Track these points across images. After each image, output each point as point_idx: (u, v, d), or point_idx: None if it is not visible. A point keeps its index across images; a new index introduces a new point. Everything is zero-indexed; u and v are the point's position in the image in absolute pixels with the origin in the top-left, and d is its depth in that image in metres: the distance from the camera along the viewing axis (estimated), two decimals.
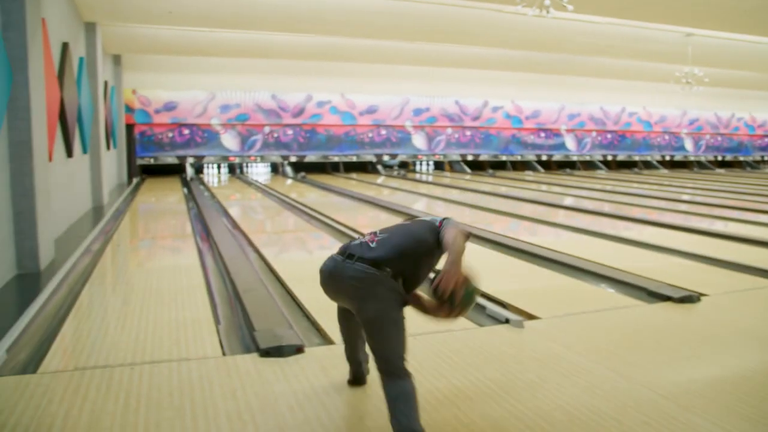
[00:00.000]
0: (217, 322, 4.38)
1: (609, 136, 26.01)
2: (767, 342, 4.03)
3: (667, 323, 4.38)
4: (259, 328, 4.04)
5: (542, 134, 24.89)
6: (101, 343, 3.94)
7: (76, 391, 3.14)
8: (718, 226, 9.24)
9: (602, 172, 23.93)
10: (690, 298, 4.90)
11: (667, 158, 27.44)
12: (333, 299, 2.95)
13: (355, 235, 8.03)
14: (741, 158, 29.03)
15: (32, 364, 3.57)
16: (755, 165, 28.97)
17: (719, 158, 28.56)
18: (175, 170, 20.07)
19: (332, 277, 2.85)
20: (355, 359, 3.20)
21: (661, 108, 26.66)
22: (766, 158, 29.77)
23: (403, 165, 23.38)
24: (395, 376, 2.62)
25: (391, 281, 2.73)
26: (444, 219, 3.00)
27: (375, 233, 2.93)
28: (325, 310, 4.52)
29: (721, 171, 26.13)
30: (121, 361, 3.57)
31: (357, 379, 3.25)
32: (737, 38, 14.60)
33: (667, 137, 27.38)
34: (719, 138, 28.51)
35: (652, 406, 3.00)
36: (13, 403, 3.00)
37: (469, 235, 2.99)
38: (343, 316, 3.08)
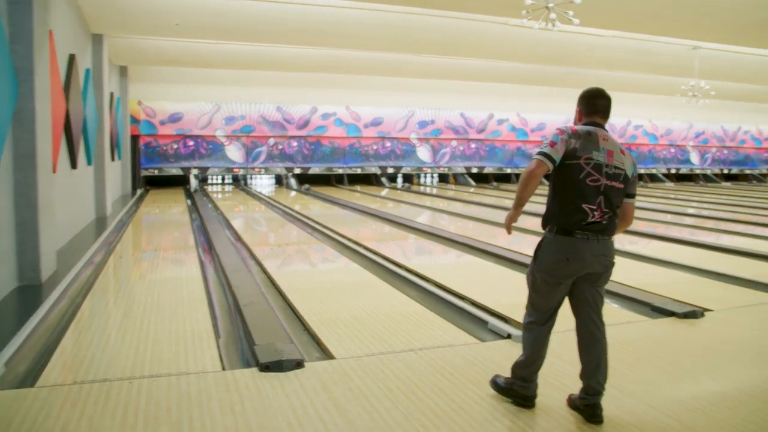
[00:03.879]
0: (217, 335, 4.36)
1: None
2: None
3: (670, 339, 4.34)
4: (259, 342, 4.01)
5: None
6: (101, 356, 3.91)
7: (74, 405, 3.11)
8: (725, 241, 9.18)
9: None
10: (694, 314, 4.85)
11: (673, 171, 27.37)
12: (565, 277, 3.05)
13: (358, 248, 8.01)
14: (747, 171, 28.94)
15: (31, 378, 3.55)
16: (761, 178, 28.87)
17: (725, 171, 28.48)
18: (179, 181, 20.13)
19: (581, 255, 2.97)
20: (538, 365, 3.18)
21: (667, 121, 26.62)
22: None
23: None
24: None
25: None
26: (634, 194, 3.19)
27: (601, 209, 2.99)
28: (326, 324, 4.52)
29: (728, 184, 26.06)
30: (120, 375, 3.54)
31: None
32: (744, 51, 14.58)
33: (673, 150, 27.32)
34: (725, 151, 28.43)
35: (654, 425, 2.95)
36: (10, 417, 2.97)
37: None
38: (552, 317, 3.19)
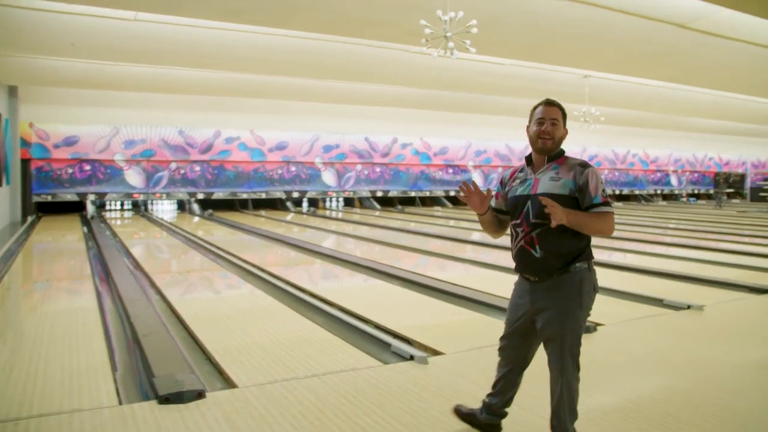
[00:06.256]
0: (113, 368, 4.20)
1: None
2: (658, 368, 4.23)
3: None
4: (158, 374, 3.89)
5: (450, 170, 25.48)
6: None
7: None
8: (617, 258, 9.68)
9: None
10: (587, 329, 5.08)
11: None
12: None
13: (263, 274, 7.94)
14: (636, 192, 30.72)
15: None
16: (649, 198, 30.73)
17: (617, 192, 30.07)
18: (74, 208, 19.24)
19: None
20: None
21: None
22: (658, 192, 31.61)
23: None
24: None
25: None
26: None
27: None
28: (229, 352, 4.45)
29: (619, 204, 27.49)
30: (4, 417, 3.34)
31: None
32: (630, 80, 15.52)
33: None
34: (616, 173, 30.06)
35: None
36: None
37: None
38: None
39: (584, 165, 2.85)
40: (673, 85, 16.31)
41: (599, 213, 2.74)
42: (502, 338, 3.09)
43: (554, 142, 2.88)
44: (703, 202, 30.92)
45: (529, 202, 2.83)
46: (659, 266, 8.56)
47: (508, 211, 2.98)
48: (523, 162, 3.03)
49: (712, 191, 32.14)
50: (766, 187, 29.56)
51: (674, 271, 8.07)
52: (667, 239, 12.31)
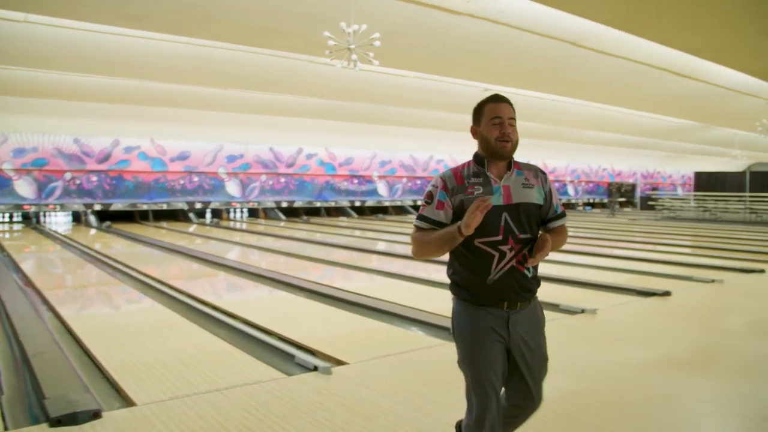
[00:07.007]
0: None
1: (419, 182, 27.41)
2: (553, 370, 4.38)
3: None
4: (49, 395, 3.72)
5: (355, 181, 25.63)
6: None
7: None
8: None
9: (414, 217, 25.06)
10: None
11: None
12: None
13: (164, 288, 7.73)
14: None
15: None
16: None
17: None
18: None
19: None
20: None
21: (465, 155, 28.44)
22: None
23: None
24: None
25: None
26: None
27: None
28: (127, 369, 4.31)
29: None
30: None
31: None
32: (527, 94, 16.15)
33: None
34: None
35: None
36: None
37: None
38: None
39: (543, 171, 2.56)
40: (566, 99, 17.13)
41: (561, 227, 2.61)
42: (490, 408, 2.44)
43: (513, 145, 2.46)
44: (598, 210, 32.49)
45: (505, 214, 2.38)
46: (556, 272, 8.92)
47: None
48: (468, 164, 2.60)
49: (606, 200, 33.84)
50: (654, 197, 31.41)
51: (570, 277, 8.45)
52: (564, 246, 12.89)
